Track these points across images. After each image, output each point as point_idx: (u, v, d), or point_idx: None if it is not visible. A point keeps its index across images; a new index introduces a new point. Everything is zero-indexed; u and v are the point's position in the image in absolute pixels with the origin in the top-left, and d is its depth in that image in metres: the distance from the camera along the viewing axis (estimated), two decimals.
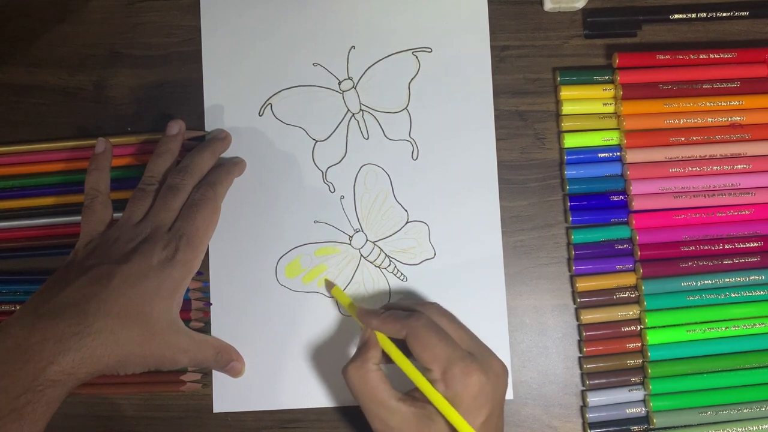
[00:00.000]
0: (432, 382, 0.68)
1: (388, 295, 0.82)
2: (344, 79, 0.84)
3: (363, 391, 0.69)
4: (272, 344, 0.81)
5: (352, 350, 0.81)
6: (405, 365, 0.70)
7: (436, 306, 0.75)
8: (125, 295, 0.69)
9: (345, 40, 0.85)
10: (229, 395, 0.81)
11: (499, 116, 0.83)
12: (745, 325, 0.79)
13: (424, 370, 0.69)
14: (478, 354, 0.70)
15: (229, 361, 0.78)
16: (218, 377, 0.81)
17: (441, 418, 0.67)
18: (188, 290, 0.79)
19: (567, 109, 0.82)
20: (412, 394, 0.69)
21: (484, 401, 0.67)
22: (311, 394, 0.81)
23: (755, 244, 0.80)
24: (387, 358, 0.72)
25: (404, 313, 0.72)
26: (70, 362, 0.65)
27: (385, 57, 0.84)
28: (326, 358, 0.81)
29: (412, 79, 0.84)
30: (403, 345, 0.71)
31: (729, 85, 0.81)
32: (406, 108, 0.84)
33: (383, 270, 0.83)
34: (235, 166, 0.81)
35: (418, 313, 0.72)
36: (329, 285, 0.82)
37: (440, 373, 0.67)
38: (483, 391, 0.67)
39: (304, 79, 0.84)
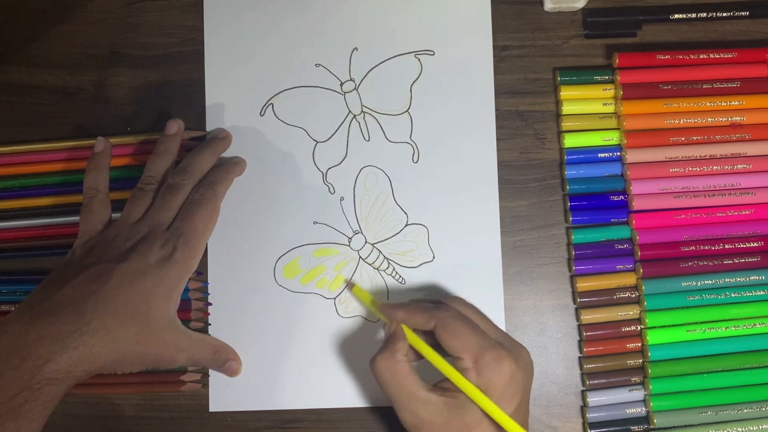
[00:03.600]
0: (463, 371, 0.68)
1: (387, 298, 0.82)
2: (346, 81, 0.84)
3: (392, 382, 0.69)
4: (269, 344, 0.81)
5: (350, 351, 0.81)
6: (433, 357, 0.70)
7: (461, 299, 0.75)
8: (123, 293, 0.69)
9: (347, 41, 0.85)
10: (225, 395, 0.81)
11: (499, 116, 0.83)
12: (745, 325, 0.78)
13: (454, 360, 0.69)
14: (506, 344, 0.70)
15: (226, 360, 0.77)
16: (215, 376, 0.81)
17: (473, 405, 0.66)
18: (188, 290, 0.79)
19: (567, 109, 0.82)
20: (441, 385, 0.69)
21: (515, 389, 0.67)
22: (308, 394, 0.81)
23: (755, 244, 0.80)
24: (414, 356, 0.72)
25: (431, 305, 0.72)
26: (67, 360, 0.65)
27: (388, 59, 0.84)
28: (323, 359, 0.81)
29: (414, 81, 0.84)
30: (427, 339, 0.71)
31: (729, 85, 0.81)
32: (407, 110, 0.84)
33: (381, 272, 0.82)
34: (235, 165, 0.81)
35: (445, 304, 0.72)
36: (350, 285, 0.82)
37: (471, 361, 0.67)
38: (514, 379, 0.67)
39: (306, 80, 0.84)
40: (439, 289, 0.82)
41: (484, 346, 0.68)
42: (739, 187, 0.80)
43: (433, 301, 0.74)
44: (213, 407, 0.81)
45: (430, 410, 0.67)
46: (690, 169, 0.80)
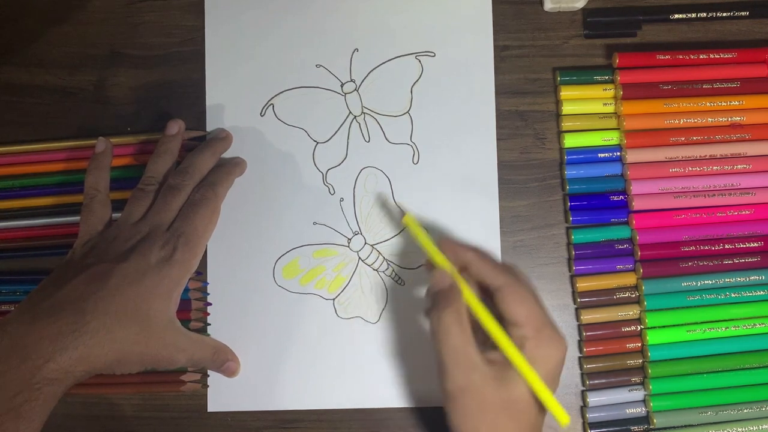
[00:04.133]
0: (521, 338, 0.65)
1: (386, 299, 0.82)
2: (347, 82, 0.84)
3: (452, 340, 0.65)
4: (268, 345, 0.81)
5: (349, 352, 0.81)
6: (490, 323, 0.66)
7: (517, 267, 0.71)
8: (123, 293, 0.69)
9: (348, 42, 0.85)
10: (224, 395, 0.81)
11: (499, 116, 0.83)
12: (745, 325, 0.78)
13: (510, 328, 0.66)
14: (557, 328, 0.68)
15: (225, 361, 0.78)
16: (214, 377, 0.81)
17: (522, 383, 0.64)
18: (188, 290, 0.79)
19: (567, 109, 0.82)
20: (488, 355, 0.66)
21: (558, 373, 0.66)
22: (308, 394, 0.81)
23: (755, 244, 0.80)
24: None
25: (498, 262, 0.69)
26: (67, 360, 0.65)
27: (388, 60, 0.84)
28: (322, 360, 0.81)
29: (415, 82, 0.84)
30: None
31: (729, 85, 0.81)
32: (407, 112, 0.84)
33: (381, 273, 0.82)
34: (235, 166, 0.81)
35: (512, 266, 0.70)
36: (401, 212, 0.82)
37: (533, 331, 0.65)
38: (561, 364, 0.66)
39: (307, 81, 0.84)
40: None
41: (545, 320, 0.66)
42: (739, 187, 0.80)
43: (499, 262, 0.70)
44: (212, 407, 0.81)
45: (481, 376, 0.64)
46: (690, 169, 0.80)
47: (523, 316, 0.65)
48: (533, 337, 0.65)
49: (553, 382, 0.66)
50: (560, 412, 0.65)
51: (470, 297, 0.67)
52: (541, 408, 0.65)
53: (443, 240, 0.71)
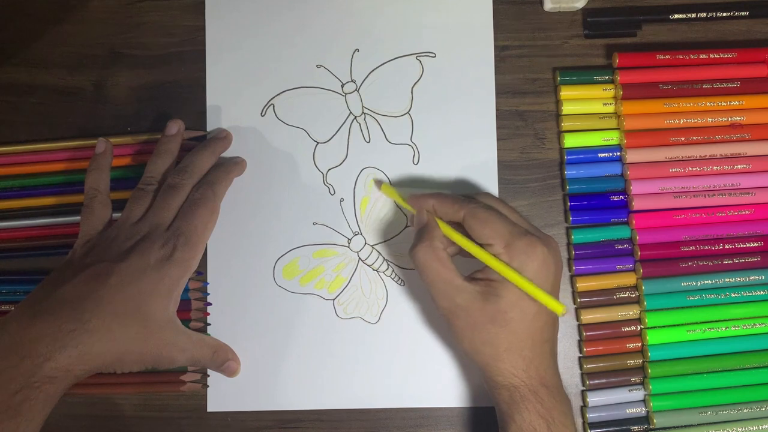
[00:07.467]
0: (495, 255, 0.70)
1: (386, 299, 0.82)
2: (347, 82, 0.84)
3: (431, 270, 0.71)
4: (268, 345, 0.81)
5: (348, 352, 0.81)
6: (466, 243, 0.72)
7: (489, 194, 0.78)
8: (122, 292, 0.69)
9: (349, 42, 0.85)
10: (224, 395, 0.81)
11: (499, 116, 0.83)
12: (745, 325, 0.78)
13: (485, 248, 0.71)
14: (536, 232, 0.71)
15: (225, 360, 0.78)
16: (214, 376, 0.81)
17: (507, 293, 0.69)
18: (188, 290, 0.80)
19: (567, 109, 0.82)
20: (474, 276, 0.72)
21: (547, 273, 0.70)
22: (307, 394, 0.81)
23: (755, 244, 0.80)
24: (449, 246, 0.74)
25: (460, 197, 0.74)
26: (66, 359, 0.65)
27: (389, 60, 0.84)
28: (322, 360, 0.81)
29: (415, 83, 0.84)
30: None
31: (729, 85, 0.81)
32: (408, 112, 0.84)
33: (381, 274, 0.82)
34: (235, 165, 0.81)
35: (474, 198, 0.74)
36: (378, 184, 0.83)
37: (503, 246, 0.69)
38: (546, 263, 0.69)
39: (307, 81, 0.84)
40: None
41: (514, 233, 0.70)
42: (739, 187, 0.80)
43: (462, 196, 0.75)
44: (211, 407, 0.81)
45: (465, 297, 0.70)
46: (690, 169, 0.80)
47: (488, 236, 0.70)
48: (504, 252, 0.70)
49: (545, 283, 0.69)
50: (552, 303, 0.69)
51: (445, 227, 0.73)
52: (540, 311, 0.69)
53: (410, 196, 0.76)
